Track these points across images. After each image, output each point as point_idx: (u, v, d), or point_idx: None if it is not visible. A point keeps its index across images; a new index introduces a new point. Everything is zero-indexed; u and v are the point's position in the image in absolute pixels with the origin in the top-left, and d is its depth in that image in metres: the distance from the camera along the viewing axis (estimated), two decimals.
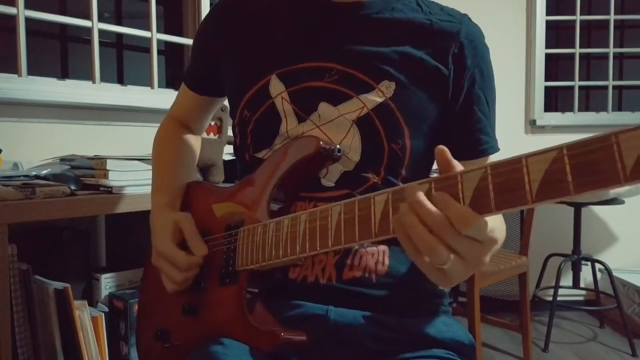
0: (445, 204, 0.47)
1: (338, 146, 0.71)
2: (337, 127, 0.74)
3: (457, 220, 0.47)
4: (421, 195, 0.49)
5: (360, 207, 0.56)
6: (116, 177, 1.23)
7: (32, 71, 1.68)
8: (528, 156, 0.44)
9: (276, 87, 0.76)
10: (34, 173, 1.23)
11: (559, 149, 0.42)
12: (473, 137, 0.79)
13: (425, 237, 0.48)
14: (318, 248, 0.60)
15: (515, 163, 0.45)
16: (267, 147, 0.78)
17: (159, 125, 0.96)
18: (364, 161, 0.74)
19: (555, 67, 3.33)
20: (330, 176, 0.75)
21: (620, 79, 3.28)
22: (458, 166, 0.50)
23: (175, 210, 0.83)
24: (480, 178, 0.47)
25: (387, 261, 0.75)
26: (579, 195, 0.41)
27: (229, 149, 1.50)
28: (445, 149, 0.51)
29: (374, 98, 0.73)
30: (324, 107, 0.74)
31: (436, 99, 0.76)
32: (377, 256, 0.75)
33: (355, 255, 0.74)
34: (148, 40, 2.02)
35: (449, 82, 0.75)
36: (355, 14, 0.76)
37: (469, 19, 0.80)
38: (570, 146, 0.41)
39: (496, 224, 0.54)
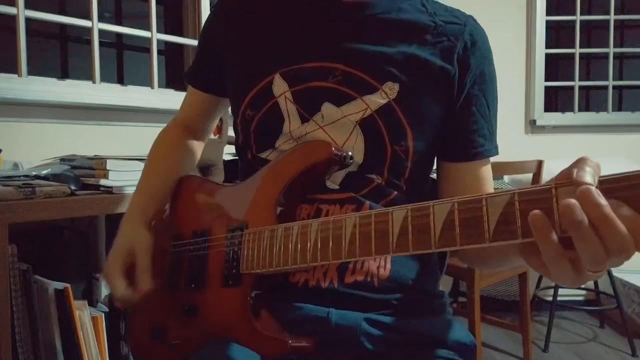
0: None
1: (350, 153, 0.70)
2: (341, 128, 0.73)
3: None
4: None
5: (377, 220, 0.55)
6: (116, 177, 1.23)
7: (32, 71, 1.68)
8: (557, 186, 0.43)
9: (280, 86, 0.75)
10: (34, 173, 1.23)
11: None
12: (468, 137, 0.77)
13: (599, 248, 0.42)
14: (330, 258, 0.59)
15: (545, 192, 0.44)
16: (270, 147, 0.77)
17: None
18: (367, 162, 0.74)
19: (555, 67, 3.33)
20: (334, 178, 0.74)
21: (620, 79, 3.29)
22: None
23: (148, 214, 0.81)
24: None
25: (389, 265, 0.74)
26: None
27: (229, 149, 1.50)
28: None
29: (378, 99, 0.72)
30: (327, 108, 0.74)
31: (441, 101, 0.75)
32: (379, 260, 0.74)
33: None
34: (148, 40, 2.02)
35: (454, 82, 0.75)
36: (360, 14, 0.75)
37: (474, 20, 0.79)
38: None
39: None
